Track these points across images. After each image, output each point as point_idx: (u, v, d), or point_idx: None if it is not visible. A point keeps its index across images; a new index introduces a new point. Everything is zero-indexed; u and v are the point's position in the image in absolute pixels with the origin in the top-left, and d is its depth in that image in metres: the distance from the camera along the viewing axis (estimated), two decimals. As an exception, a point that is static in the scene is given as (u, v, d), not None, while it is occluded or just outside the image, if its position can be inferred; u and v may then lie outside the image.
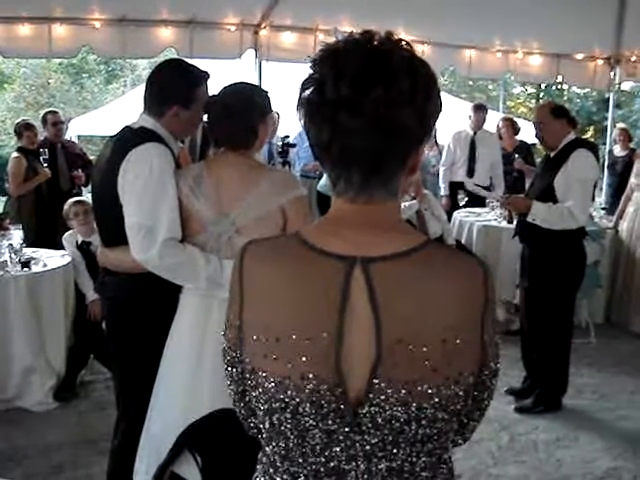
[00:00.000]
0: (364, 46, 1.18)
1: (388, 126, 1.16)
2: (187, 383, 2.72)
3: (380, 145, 1.18)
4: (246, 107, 2.74)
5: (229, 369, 1.36)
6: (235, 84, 2.82)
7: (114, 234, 2.81)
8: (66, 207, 5.20)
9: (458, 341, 1.20)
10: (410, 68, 1.18)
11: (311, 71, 1.21)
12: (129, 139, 2.80)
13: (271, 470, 1.30)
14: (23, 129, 6.78)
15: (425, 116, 1.20)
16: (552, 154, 4.58)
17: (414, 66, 1.19)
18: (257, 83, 7.42)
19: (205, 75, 2.90)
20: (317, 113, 1.20)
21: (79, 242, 5.08)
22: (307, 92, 1.21)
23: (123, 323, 2.91)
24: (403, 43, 1.21)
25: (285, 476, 1.27)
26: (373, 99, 1.14)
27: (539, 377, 4.81)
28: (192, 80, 2.87)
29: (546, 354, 4.72)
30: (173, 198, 2.68)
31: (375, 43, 1.19)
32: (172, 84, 2.85)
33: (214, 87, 2.83)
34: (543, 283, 4.62)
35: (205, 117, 2.83)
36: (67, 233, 5.24)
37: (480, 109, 8.12)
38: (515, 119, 8.77)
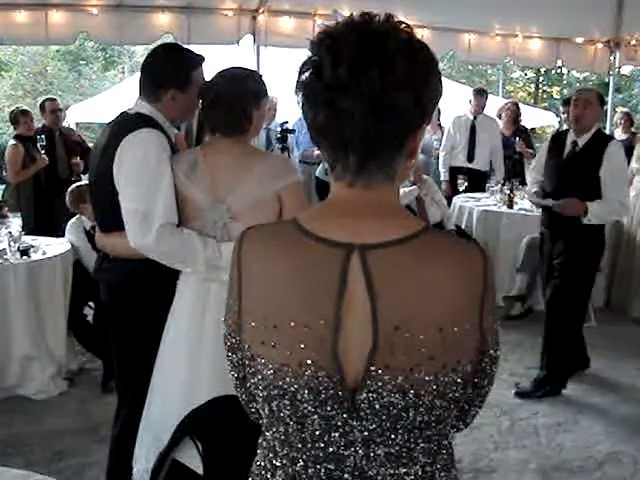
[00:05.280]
0: (362, 29, 1.17)
1: (384, 109, 1.15)
2: (186, 368, 2.72)
3: (376, 128, 1.17)
4: (239, 92, 2.72)
5: (230, 355, 1.36)
6: (228, 69, 2.80)
7: (111, 220, 2.81)
8: (69, 197, 5.17)
9: (456, 329, 1.19)
10: (408, 51, 1.17)
11: (310, 54, 1.20)
12: (125, 125, 2.79)
13: (271, 455, 1.30)
14: (19, 116, 6.74)
15: (423, 99, 1.19)
16: (580, 142, 4.62)
17: (413, 49, 1.18)
18: (255, 69, 7.38)
19: (200, 58, 2.89)
20: (314, 96, 1.19)
21: (87, 228, 5.02)
22: (305, 75, 1.20)
23: (122, 309, 2.91)
24: (403, 25, 1.19)
25: (284, 461, 1.28)
26: (369, 81, 1.13)
27: (555, 362, 4.84)
28: (187, 63, 2.85)
29: (569, 340, 4.82)
30: (169, 183, 2.67)
31: (373, 26, 1.18)
32: (167, 68, 2.84)
33: (212, 73, 2.81)
34: (577, 272, 4.69)
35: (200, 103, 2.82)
36: (72, 220, 5.18)
37: (481, 93, 8.13)
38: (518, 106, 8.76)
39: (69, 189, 5.26)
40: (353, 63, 1.14)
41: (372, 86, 1.13)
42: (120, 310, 2.93)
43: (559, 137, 4.89)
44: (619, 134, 8.47)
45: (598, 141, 4.61)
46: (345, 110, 1.15)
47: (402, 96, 1.15)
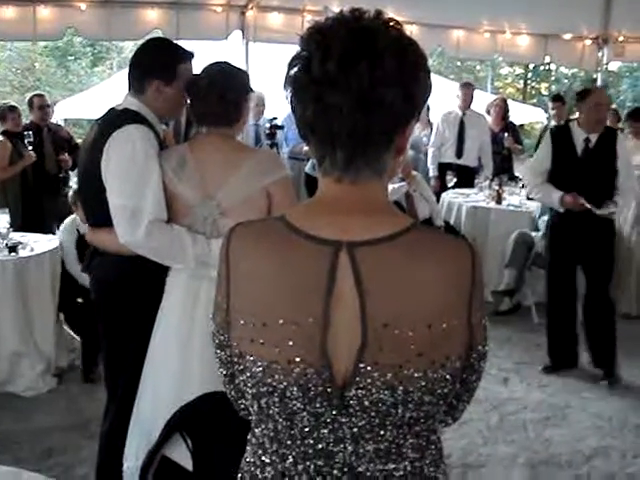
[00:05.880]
0: (352, 24, 1.17)
1: (372, 104, 1.16)
2: (176, 365, 2.72)
3: (364, 123, 1.17)
4: (231, 83, 2.74)
5: (218, 352, 1.36)
6: (216, 63, 2.81)
7: (100, 216, 2.79)
8: (70, 194, 5.15)
9: (444, 325, 1.19)
10: (397, 47, 1.17)
11: (299, 49, 1.21)
12: (113, 121, 2.78)
13: (260, 452, 1.30)
14: (7, 112, 6.69)
15: (412, 96, 1.19)
16: (592, 138, 4.72)
17: (402, 46, 1.18)
18: (244, 64, 7.38)
19: (188, 54, 2.88)
20: (303, 91, 1.19)
21: (82, 231, 4.96)
22: (294, 70, 1.21)
23: (111, 304, 2.90)
24: (392, 22, 1.20)
25: (274, 457, 1.28)
26: (358, 76, 1.14)
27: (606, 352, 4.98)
28: (173, 56, 2.85)
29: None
30: (157, 179, 2.67)
31: (363, 22, 1.18)
32: (153, 59, 2.85)
33: (200, 68, 2.81)
34: (610, 260, 4.96)
35: (188, 96, 2.81)
36: (68, 220, 5.13)
37: (467, 86, 8.20)
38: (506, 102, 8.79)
39: (72, 187, 5.24)
40: (342, 58, 1.14)
41: (360, 81, 1.14)
42: (109, 306, 2.92)
43: (562, 134, 4.89)
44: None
45: (608, 135, 4.76)
46: (333, 105, 1.15)
47: (390, 92, 1.16)
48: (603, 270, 4.92)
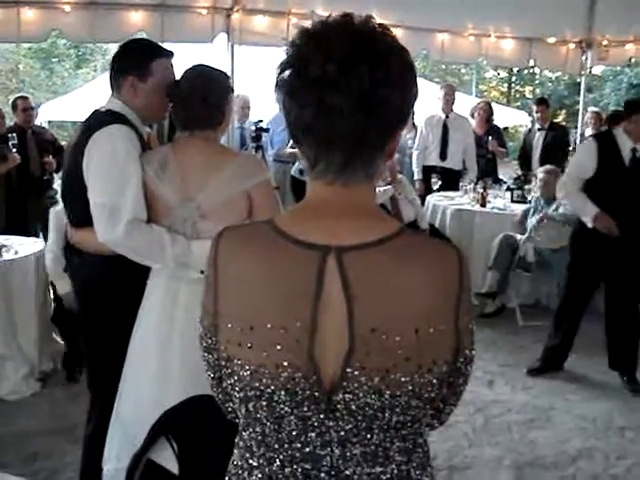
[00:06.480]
0: (348, 28, 1.19)
1: (373, 105, 1.17)
2: (156, 364, 2.72)
3: (364, 125, 1.18)
4: (211, 85, 2.75)
5: (205, 355, 1.35)
6: (196, 66, 2.82)
7: (81, 216, 2.79)
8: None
9: (431, 330, 1.20)
10: (394, 51, 1.20)
11: (290, 52, 1.21)
12: (95, 122, 2.79)
13: (247, 455, 1.30)
14: (-10, 115, 6.66)
15: (407, 99, 1.21)
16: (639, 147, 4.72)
17: (398, 49, 1.21)
18: (229, 67, 7.36)
19: (164, 51, 2.90)
20: (300, 93, 1.19)
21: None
22: (287, 73, 1.21)
23: (93, 304, 2.90)
24: (383, 28, 1.22)
25: (261, 461, 1.28)
26: (359, 78, 1.15)
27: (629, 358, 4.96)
28: (147, 52, 2.87)
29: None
30: (137, 179, 2.67)
31: (359, 26, 1.19)
32: (127, 54, 2.89)
33: (181, 73, 2.81)
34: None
35: (170, 101, 2.81)
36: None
37: (448, 88, 8.31)
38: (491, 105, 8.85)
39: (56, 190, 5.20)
40: (343, 60, 1.15)
41: (362, 82, 1.15)
42: (91, 305, 2.92)
43: (607, 143, 4.78)
44: (589, 133, 8.58)
45: None
46: (334, 106, 1.16)
47: (390, 93, 1.17)
48: (633, 285, 4.86)
